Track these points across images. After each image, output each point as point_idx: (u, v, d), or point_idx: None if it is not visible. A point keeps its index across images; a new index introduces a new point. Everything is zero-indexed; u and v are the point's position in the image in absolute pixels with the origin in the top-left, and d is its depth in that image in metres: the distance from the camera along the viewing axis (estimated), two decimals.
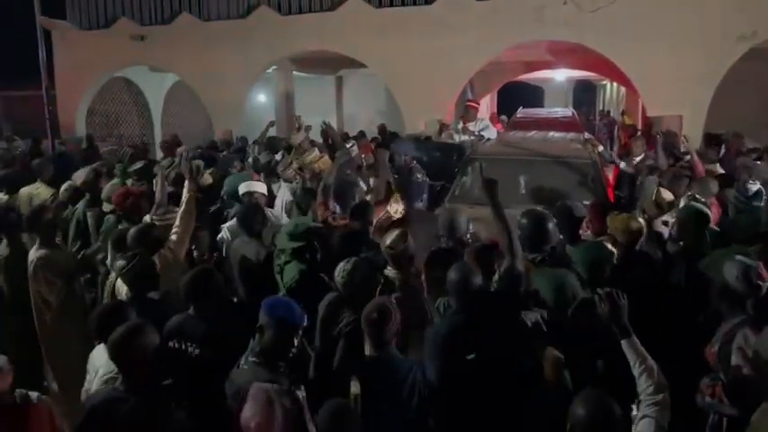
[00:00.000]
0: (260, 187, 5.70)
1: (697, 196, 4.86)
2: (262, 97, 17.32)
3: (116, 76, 13.88)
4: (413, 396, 2.79)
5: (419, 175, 7.04)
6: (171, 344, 3.13)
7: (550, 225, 3.76)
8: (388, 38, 10.88)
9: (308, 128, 8.72)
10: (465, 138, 8.33)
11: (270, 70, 13.44)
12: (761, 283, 3.04)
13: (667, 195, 5.21)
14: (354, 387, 2.77)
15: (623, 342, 2.59)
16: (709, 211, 4.15)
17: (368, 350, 2.97)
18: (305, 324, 2.87)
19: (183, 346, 3.13)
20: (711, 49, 9.56)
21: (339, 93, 18.45)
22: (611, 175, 7.88)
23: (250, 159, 7.76)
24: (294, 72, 14.90)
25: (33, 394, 2.92)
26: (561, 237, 4.05)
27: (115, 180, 6.32)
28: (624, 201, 6.96)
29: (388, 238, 3.71)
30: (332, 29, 11.23)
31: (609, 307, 2.60)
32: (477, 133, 8.24)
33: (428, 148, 8.42)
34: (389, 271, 3.67)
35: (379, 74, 11.63)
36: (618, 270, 3.88)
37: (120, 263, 3.62)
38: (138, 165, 6.62)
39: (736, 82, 10.21)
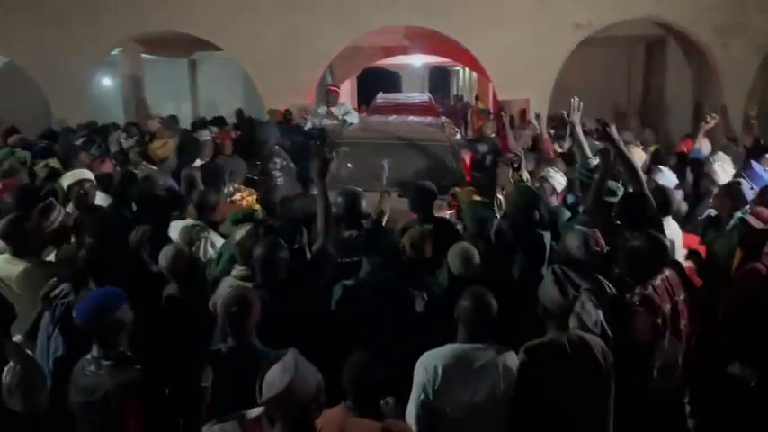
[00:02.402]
0: (88, 174, 5.19)
1: (550, 175, 5.15)
2: (107, 81, 16.09)
3: None
4: None
5: (278, 160, 6.90)
6: None
7: (364, 203, 4.19)
8: (243, 19, 10.50)
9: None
10: (327, 122, 8.29)
11: (115, 52, 12.49)
12: (598, 250, 3.27)
13: (524, 175, 5.52)
14: (206, 379, 2.79)
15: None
16: (536, 189, 4.43)
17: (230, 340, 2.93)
18: (122, 304, 2.79)
19: None
20: (552, 36, 10.25)
21: (194, 77, 17.58)
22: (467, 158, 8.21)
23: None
24: (143, 54, 13.96)
25: None
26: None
27: None
28: (482, 181, 7.29)
29: (238, 234, 3.62)
30: (182, 8, 10.57)
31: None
32: (340, 118, 8.23)
33: (291, 133, 8.31)
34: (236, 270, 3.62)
35: (234, 57, 11.21)
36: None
37: None
38: None
39: (579, 67, 11.05)
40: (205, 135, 7.59)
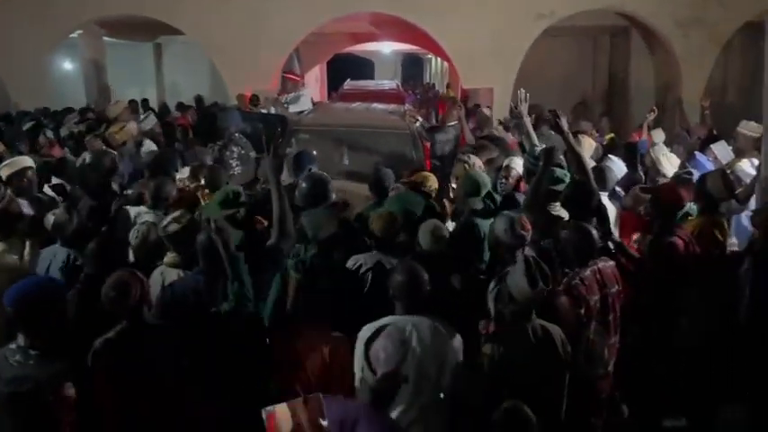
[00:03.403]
0: (29, 162, 5.01)
1: (516, 162, 5.19)
2: (68, 65, 15.75)
3: None
4: (169, 361, 2.86)
5: (235, 149, 6.84)
6: None
7: (329, 186, 4.30)
8: (205, 1, 10.35)
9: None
10: (275, 110, 8.26)
11: (75, 35, 12.22)
12: (524, 233, 3.32)
13: (474, 160, 5.55)
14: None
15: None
16: (482, 179, 4.48)
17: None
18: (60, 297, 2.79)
19: None
20: (515, 25, 10.28)
21: (158, 61, 17.28)
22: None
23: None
24: (105, 38, 13.68)
25: None
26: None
27: None
28: (439, 169, 7.31)
29: (165, 219, 3.60)
30: None
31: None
32: (284, 106, 8.19)
33: (252, 120, 8.24)
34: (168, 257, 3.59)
35: (197, 41, 11.05)
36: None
37: None
38: None
39: (544, 57, 11.10)
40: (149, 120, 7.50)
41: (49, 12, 10.45)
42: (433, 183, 4.84)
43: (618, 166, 5.42)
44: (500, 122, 8.50)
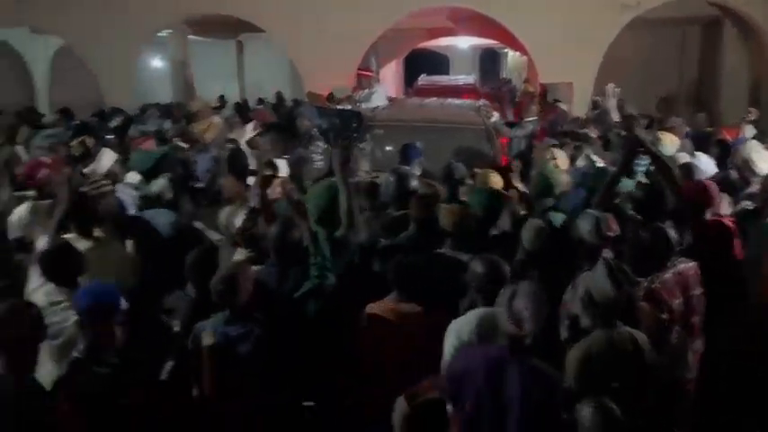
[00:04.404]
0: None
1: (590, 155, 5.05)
2: (156, 63, 16.48)
3: None
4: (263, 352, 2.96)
5: (319, 144, 6.92)
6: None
7: (413, 182, 4.25)
8: (287, 1, 10.58)
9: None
10: (348, 106, 8.32)
11: (163, 34, 12.78)
12: (610, 234, 3.19)
13: (559, 155, 5.39)
14: (208, 338, 2.88)
15: None
16: (555, 177, 4.35)
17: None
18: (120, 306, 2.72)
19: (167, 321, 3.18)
20: (598, 17, 9.94)
21: (240, 59, 17.79)
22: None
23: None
24: (190, 36, 14.23)
25: None
26: None
27: None
28: (517, 164, 7.17)
29: (237, 219, 3.67)
30: None
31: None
32: (356, 104, 8.23)
33: (328, 115, 8.34)
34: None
35: (277, 39, 11.32)
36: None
37: None
38: None
39: (623, 51, 10.69)
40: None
41: (140, 12, 11.00)
42: (496, 181, 4.67)
43: (706, 165, 5.16)
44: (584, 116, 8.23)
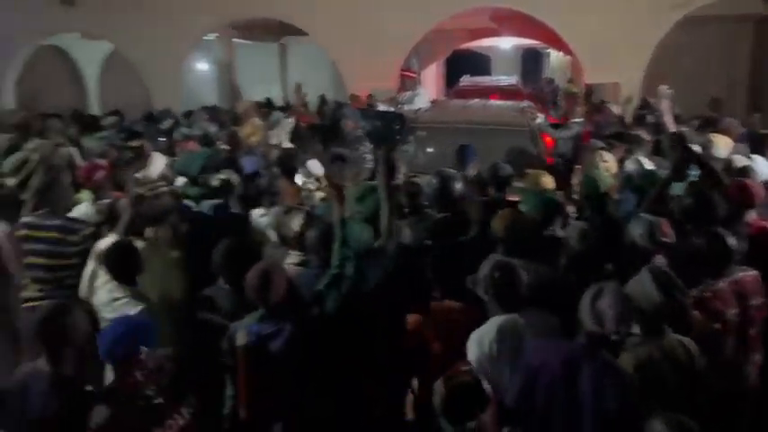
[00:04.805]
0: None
1: (638, 158, 4.95)
2: (202, 66, 16.80)
3: (47, 45, 13.23)
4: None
5: (367, 144, 6.90)
6: (199, 314, 3.29)
7: (457, 184, 4.17)
8: (329, 4, 10.66)
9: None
10: (391, 108, 8.31)
11: (210, 37, 13.03)
12: (665, 239, 3.11)
13: (609, 158, 5.30)
14: (241, 338, 2.90)
15: None
16: (603, 180, 4.26)
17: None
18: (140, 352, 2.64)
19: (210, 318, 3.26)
20: (646, 16, 9.72)
21: (283, 61, 18.01)
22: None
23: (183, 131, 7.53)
24: (235, 39, 14.47)
25: None
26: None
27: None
28: (562, 166, 7.07)
29: (294, 223, 3.66)
30: None
31: None
32: (399, 105, 8.21)
33: (371, 117, 8.34)
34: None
35: (320, 42, 11.42)
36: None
37: None
38: None
39: (673, 50, 10.42)
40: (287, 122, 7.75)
41: (186, 17, 11.24)
42: (548, 182, 4.64)
43: (763, 167, 4.99)
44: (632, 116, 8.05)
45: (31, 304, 3.95)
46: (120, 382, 2.58)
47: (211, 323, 3.22)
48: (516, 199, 4.91)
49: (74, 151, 6.24)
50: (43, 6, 11.75)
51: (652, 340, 2.67)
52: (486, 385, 2.10)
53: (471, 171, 5.11)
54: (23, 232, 4.07)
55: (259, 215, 4.45)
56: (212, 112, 9.30)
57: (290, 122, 7.47)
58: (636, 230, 3.22)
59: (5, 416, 2.58)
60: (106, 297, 3.38)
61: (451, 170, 4.49)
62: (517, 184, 4.86)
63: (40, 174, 4.56)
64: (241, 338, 2.92)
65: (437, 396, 2.09)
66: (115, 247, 3.48)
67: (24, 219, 4.16)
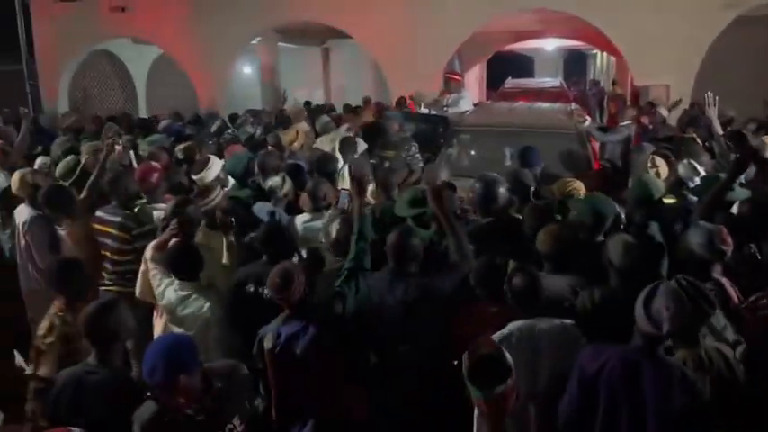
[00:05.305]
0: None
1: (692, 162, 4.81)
2: (247, 70, 17.06)
3: (99, 50, 13.64)
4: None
5: (414, 146, 6.88)
6: (247, 288, 3.52)
7: (501, 189, 4.08)
8: (374, 8, 10.71)
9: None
10: (434, 111, 8.25)
11: (254, 41, 13.23)
12: (724, 247, 3.02)
13: (660, 163, 5.17)
14: (268, 341, 2.99)
15: None
16: (655, 184, 4.14)
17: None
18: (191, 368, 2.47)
19: (259, 290, 3.47)
20: (698, 16, 9.47)
21: (326, 64, 18.12)
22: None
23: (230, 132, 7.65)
24: (279, 44, 14.65)
25: None
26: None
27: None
28: (611, 171, 6.93)
29: (333, 229, 3.67)
30: None
31: None
32: (443, 108, 8.14)
33: (415, 120, 8.34)
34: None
35: (364, 45, 11.47)
36: None
37: None
38: None
39: (725, 51, 10.13)
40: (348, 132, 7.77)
41: (232, 21, 11.45)
42: (578, 188, 4.46)
43: None
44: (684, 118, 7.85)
45: (104, 289, 4.27)
46: (160, 406, 2.47)
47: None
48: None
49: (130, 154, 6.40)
50: (96, 13, 12.12)
51: (686, 348, 2.62)
52: (508, 356, 2.11)
53: (536, 172, 5.00)
54: (95, 226, 4.40)
55: (302, 221, 4.44)
56: (256, 116, 9.43)
57: (344, 131, 7.47)
58: (694, 239, 3.10)
59: (60, 411, 2.67)
60: (175, 296, 3.51)
61: (494, 174, 4.37)
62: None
63: (98, 172, 4.71)
64: (268, 342, 2.99)
65: (464, 367, 2.11)
66: (180, 248, 3.61)
67: (97, 213, 4.45)
